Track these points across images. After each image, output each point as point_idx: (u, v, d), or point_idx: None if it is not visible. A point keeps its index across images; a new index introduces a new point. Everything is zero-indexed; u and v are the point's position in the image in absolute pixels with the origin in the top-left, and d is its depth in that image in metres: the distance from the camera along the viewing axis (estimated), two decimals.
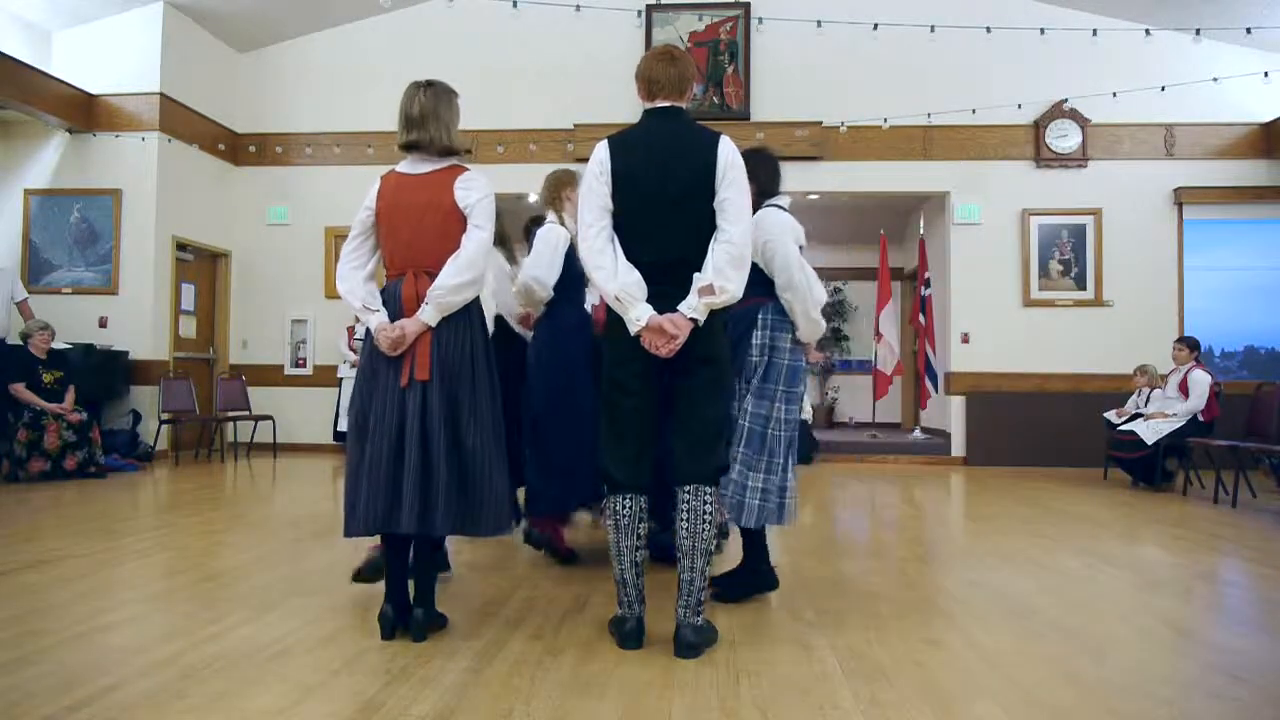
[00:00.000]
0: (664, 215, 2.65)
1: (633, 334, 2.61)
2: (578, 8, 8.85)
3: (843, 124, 8.97)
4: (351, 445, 2.75)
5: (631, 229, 2.67)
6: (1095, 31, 8.62)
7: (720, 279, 2.58)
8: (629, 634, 2.70)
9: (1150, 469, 7.09)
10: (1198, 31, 8.30)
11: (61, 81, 8.06)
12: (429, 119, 2.76)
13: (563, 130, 9.17)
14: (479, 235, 2.72)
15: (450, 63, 9.33)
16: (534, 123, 9.26)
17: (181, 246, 8.70)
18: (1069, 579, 3.88)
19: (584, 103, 9.14)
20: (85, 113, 8.29)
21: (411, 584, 2.82)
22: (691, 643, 2.63)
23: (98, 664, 2.51)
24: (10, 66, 7.41)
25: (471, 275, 2.69)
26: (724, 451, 2.73)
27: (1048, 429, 8.63)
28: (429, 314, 2.68)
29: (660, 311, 2.59)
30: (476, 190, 2.75)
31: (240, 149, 9.58)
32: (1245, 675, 2.58)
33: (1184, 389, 6.99)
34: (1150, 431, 7.00)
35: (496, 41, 9.28)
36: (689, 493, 2.65)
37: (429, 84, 2.82)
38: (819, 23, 8.84)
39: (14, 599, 3.24)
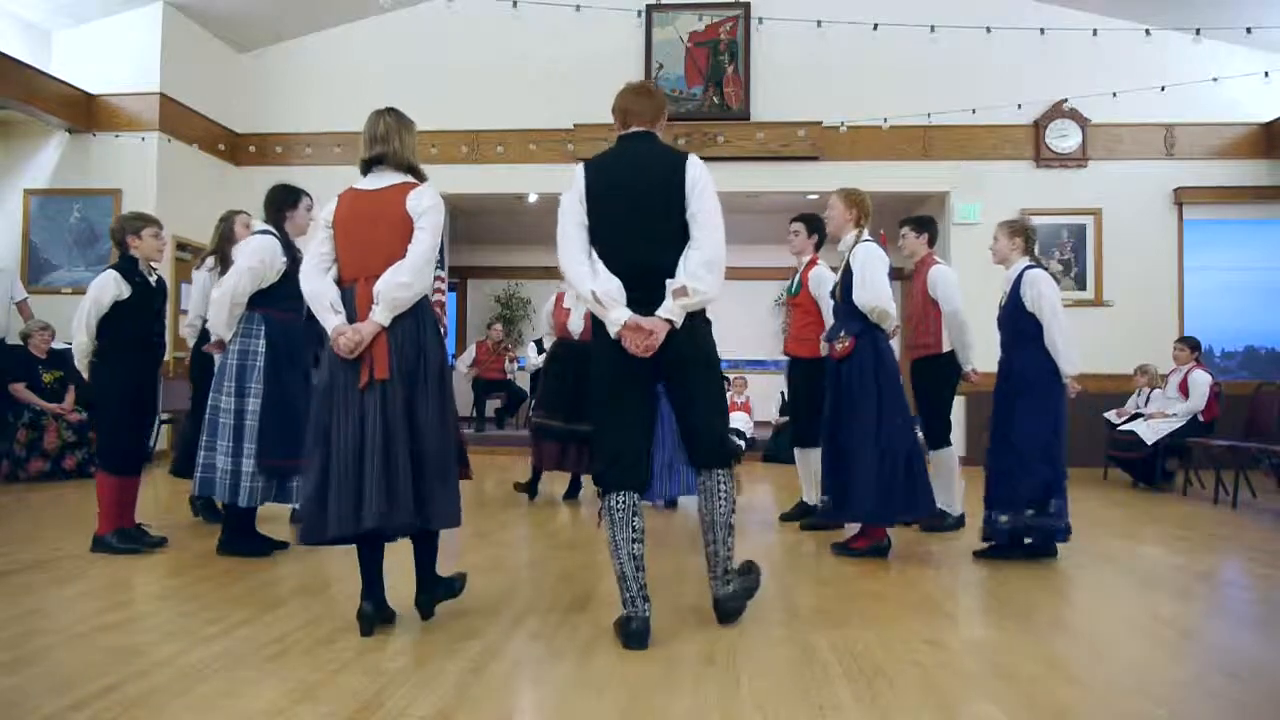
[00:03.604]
0: (636, 227, 2.83)
1: (613, 335, 2.76)
2: (578, 8, 8.85)
3: (843, 124, 8.96)
4: (314, 454, 2.82)
5: (608, 241, 2.85)
6: (1095, 31, 8.61)
7: (693, 280, 2.75)
8: (634, 634, 2.73)
9: (1150, 469, 7.09)
10: (1198, 31, 8.29)
11: (61, 81, 8.05)
12: (392, 135, 2.93)
13: (563, 130, 9.16)
14: (423, 238, 2.83)
15: (450, 63, 9.37)
16: (534, 123, 9.25)
17: (181, 246, 8.69)
18: (1069, 579, 3.88)
19: (584, 103, 9.10)
20: (85, 113, 8.28)
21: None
22: (730, 609, 2.91)
23: (98, 664, 2.51)
24: (10, 66, 7.40)
25: (413, 275, 2.78)
26: (730, 438, 2.97)
27: None
28: (380, 314, 2.76)
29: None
30: (427, 199, 2.87)
31: (240, 149, 9.58)
32: (1245, 675, 2.58)
33: (1184, 389, 6.99)
34: (1150, 431, 7.00)
35: (496, 41, 9.27)
36: (705, 474, 2.88)
37: (390, 110, 2.99)
38: (819, 23, 8.84)
39: (14, 599, 3.24)
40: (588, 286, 2.79)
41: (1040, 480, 4.03)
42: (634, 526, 2.78)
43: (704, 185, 2.84)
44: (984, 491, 4.23)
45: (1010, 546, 4.16)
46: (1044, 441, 4.05)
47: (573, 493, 6.07)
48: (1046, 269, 4.24)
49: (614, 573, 2.80)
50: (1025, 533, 4.09)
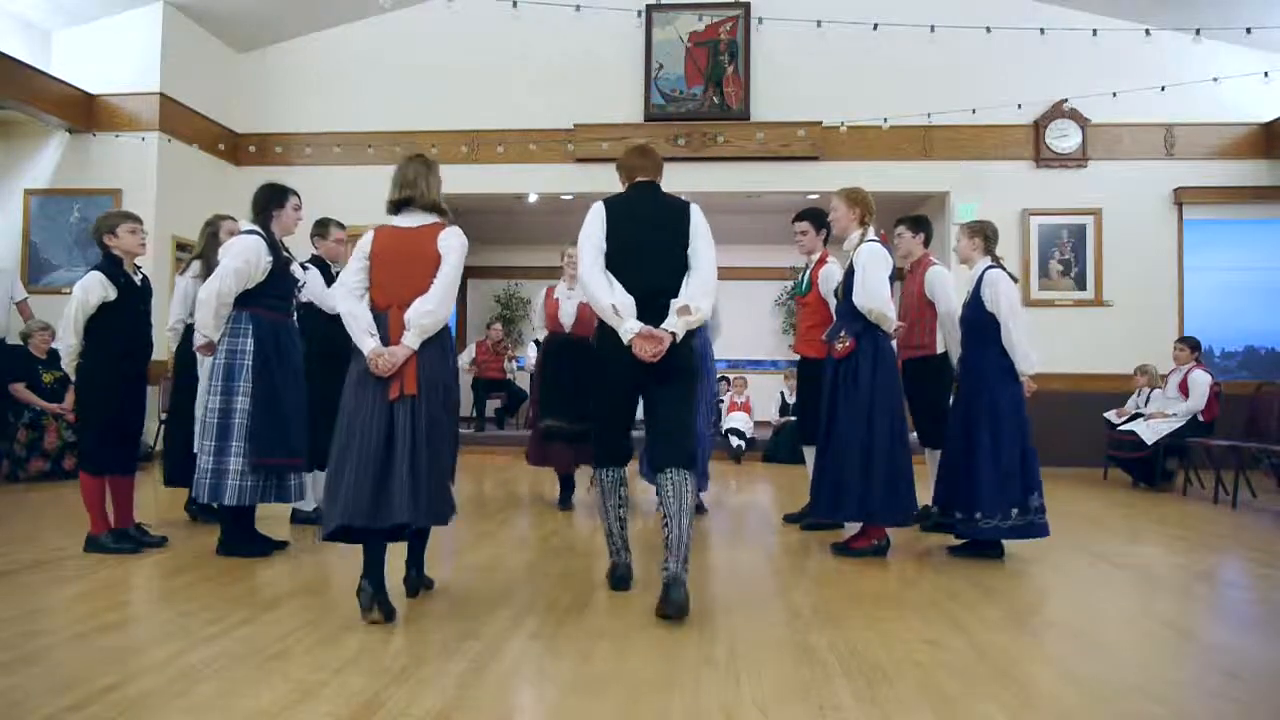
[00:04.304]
0: (647, 258, 3.34)
1: (625, 342, 3.18)
2: (578, 8, 8.84)
3: (843, 124, 8.96)
4: (338, 450, 3.05)
5: (623, 267, 3.32)
6: (1095, 31, 8.61)
7: (694, 301, 3.25)
8: (619, 578, 3.44)
9: (1150, 469, 7.09)
10: (1198, 31, 8.29)
11: (61, 81, 8.05)
12: (420, 180, 3.24)
13: (563, 130, 9.16)
14: (446, 270, 3.16)
15: (450, 63, 9.37)
16: (534, 123, 9.25)
17: (181, 246, 8.69)
18: (1069, 579, 3.88)
19: (584, 103, 9.13)
20: (85, 113, 8.28)
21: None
22: (679, 600, 3.00)
23: (98, 664, 2.51)
24: (10, 66, 7.39)
25: (438, 303, 3.12)
26: (694, 443, 3.35)
27: (1048, 429, 8.57)
28: (412, 339, 3.08)
29: None
30: (455, 239, 3.22)
31: (240, 149, 9.58)
32: (1244, 674, 2.58)
33: (1184, 389, 6.99)
34: (1150, 431, 7.00)
35: (496, 41, 9.27)
36: (671, 472, 3.20)
37: (419, 156, 3.34)
38: (819, 23, 8.84)
39: (14, 599, 3.24)
40: (607, 300, 3.24)
41: (1014, 480, 4.09)
42: (620, 495, 3.43)
43: (703, 229, 3.40)
44: (935, 487, 4.36)
45: (983, 544, 4.21)
46: (1005, 440, 4.10)
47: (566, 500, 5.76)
48: (1007, 270, 4.30)
49: (603, 530, 3.44)
50: (1016, 534, 4.12)
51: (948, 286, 4.87)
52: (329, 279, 4.91)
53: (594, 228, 3.38)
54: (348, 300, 3.19)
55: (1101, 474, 7.83)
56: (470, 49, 9.31)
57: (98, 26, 8.39)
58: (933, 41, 8.76)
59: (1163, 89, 8.54)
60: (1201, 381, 6.92)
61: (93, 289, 4.04)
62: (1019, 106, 8.83)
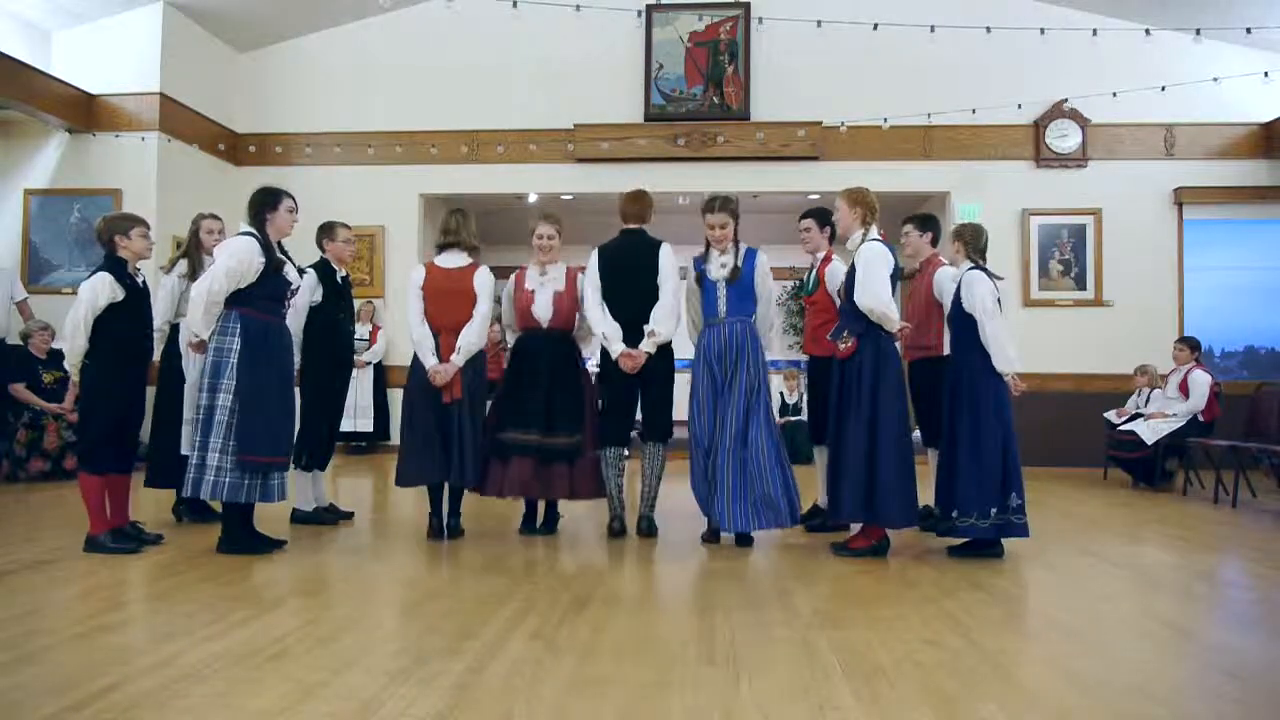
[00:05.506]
0: (630, 292, 4.51)
1: (614, 359, 4.46)
2: (578, 8, 8.83)
3: (843, 124, 8.95)
4: (408, 432, 4.44)
5: (613, 299, 4.53)
6: (1095, 31, 8.60)
7: (658, 327, 4.45)
8: (616, 531, 4.53)
9: (1150, 469, 7.09)
10: (1198, 31, 8.28)
11: (61, 81, 8.05)
12: (460, 229, 4.52)
13: (563, 130, 9.16)
14: (482, 308, 4.43)
15: (450, 63, 9.37)
16: (534, 123, 9.25)
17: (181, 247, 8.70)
18: (1069, 579, 3.88)
19: (584, 103, 9.13)
20: (85, 113, 8.28)
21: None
22: (649, 530, 4.58)
23: (98, 664, 2.51)
24: (10, 66, 7.39)
25: (478, 335, 4.40)
26: (670, 423, 4.65)
27: (1048, 429, 8.60)
28: (460, 359, 4.34)
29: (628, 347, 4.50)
30: (487, 279, 4.47)
31: (240, 149, 9.57)
32: (1244, 674, 2.58)
33: (1184, 389, 6.99)
34: (1150, 431, 7.00)
35: (496, 41, 9.27)
36: (650, 445, 4.61)
37: (459, 210, 4.59)
38: (819, 23, 8.83)
39: (14, 599, 3.24)
40: (600, 329, 4.49)
41: (994, 479, 4.10)
42: (619, 467, 4.59)
43: (671, 265, 4.52)
44: (935, 489, 4.35)
45: (983, 543, 4.20)
46: (985, 440, 4.10)
47: (550, 524, 4.79)
48: (989, 271, 4.32)
49: (607, 492, 4.57)
50: (994, 533, 4.13)
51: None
52: (332, 284, 4.92)
53: (593, 272, 4.55)
54: (417, 327, 4.40)
55: (1101, 474, 7.83)
56: (470, 49, 9.31)
57: (98, 26, 8.38)
58: (933, 41, 8.75)
59: (1163, 89, 8.53)
60: (1201, 381, 6.91)
61: (102, 290, 4.04)
62: (1019, 106, 8.83)
